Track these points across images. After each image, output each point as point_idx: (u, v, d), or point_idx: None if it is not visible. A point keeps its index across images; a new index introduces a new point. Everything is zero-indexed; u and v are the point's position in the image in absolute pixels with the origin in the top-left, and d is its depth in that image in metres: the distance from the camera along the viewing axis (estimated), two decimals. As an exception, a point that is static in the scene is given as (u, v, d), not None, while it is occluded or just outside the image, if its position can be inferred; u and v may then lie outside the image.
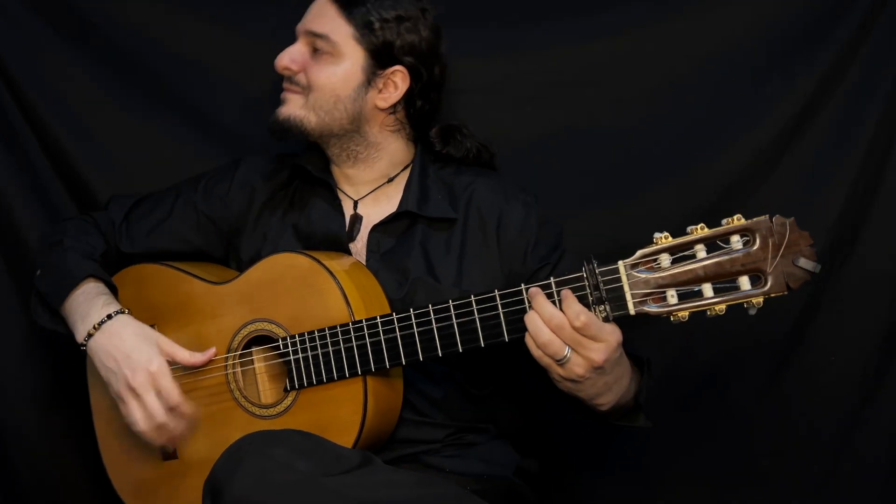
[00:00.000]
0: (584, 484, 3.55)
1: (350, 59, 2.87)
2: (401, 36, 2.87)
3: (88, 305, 2.84)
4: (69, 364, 3.20)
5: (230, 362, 2.84)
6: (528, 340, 2.41)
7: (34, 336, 3.50)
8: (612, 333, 2.38)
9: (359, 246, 2.93)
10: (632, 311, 2.34)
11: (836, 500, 3.37)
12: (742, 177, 3.38)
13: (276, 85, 3.44)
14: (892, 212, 3.31)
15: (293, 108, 2.93)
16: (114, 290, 2.93)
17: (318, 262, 2.73)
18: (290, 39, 3.15)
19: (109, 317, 2.80)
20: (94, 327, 2.79)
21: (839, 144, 3.35)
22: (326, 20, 2.89)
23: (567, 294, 2.38)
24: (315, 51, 2.91)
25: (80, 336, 2.82)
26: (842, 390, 3.36)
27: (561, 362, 2.39)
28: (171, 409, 2.75)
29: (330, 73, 2.88)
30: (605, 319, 2.37)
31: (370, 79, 2.88)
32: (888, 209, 3.32)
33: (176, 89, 3.58)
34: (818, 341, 3.37)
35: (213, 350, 2.81)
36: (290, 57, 2.92)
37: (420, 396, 2.83)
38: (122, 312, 2.82)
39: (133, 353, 2.74)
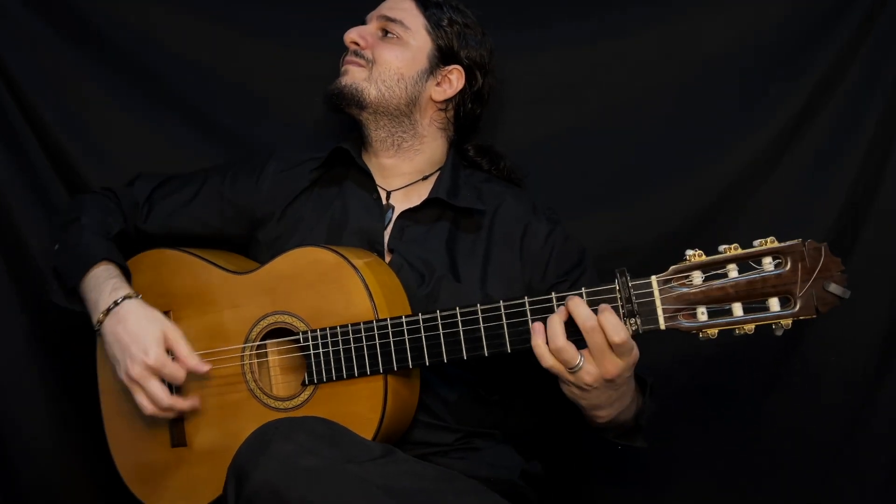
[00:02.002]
0: (588, 487, 3.64)
1: (418, 47, 3.10)
2: (465, 42, 3.14)
3: (98, 291, 2.96)
4: (69, 364, 3.31)
5: (247, 353, 2.92)
6: (541, 344, 2.52)
7: (34, 336, 3.57)
8: (635, 353, 2.52)
9: (386, 235, 3.05)
10: (662, 326, 2.45)
11: (836, 500, 3.47)
12: (742, 177, 3.47)
13: (278, 85, 3.60)
14: (892, 212, 3.42)
15: (356, 77, 3.10)
16: (126, 273, 3.04)
17: (344, 257, 2.81)
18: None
19: (116, 303, 2.92)
20: (103, 314, 2.91)
21: (839, 144, 3.44)
22: (403, 10, 3.13)
23: (607, 309, 2.47)
24: (386, 34, 3.11)
25: (94, 323, 2.95)
26: (842, 390, 3.46)
27: (573, 370, 2.51)
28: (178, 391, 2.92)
29: (398, 53, 3.09)
30: (636, 333, 2.49)
31: (432, 69, 3.11)
32: (888, 209, 3.42)
33: (176, 89, 3.66)
34: (818, 341, 3.46)
35: (209, 367, 2.89)
36: (360, 33, 3.13)
37: (433, 397, 2.93)
38: (129, 297, 2.93)
39: (133, 343, 2.86)
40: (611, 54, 3.57)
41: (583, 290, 2.53)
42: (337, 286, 2.81)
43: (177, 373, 2.86)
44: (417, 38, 3.10)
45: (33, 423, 3.63)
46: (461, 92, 3.15)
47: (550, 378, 2.59)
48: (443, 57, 3.11)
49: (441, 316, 2.68)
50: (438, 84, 3.12)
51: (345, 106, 3.11)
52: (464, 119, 3.20)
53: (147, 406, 2.88)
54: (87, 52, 3.64)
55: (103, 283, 2.97)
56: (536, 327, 2.53)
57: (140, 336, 2.86)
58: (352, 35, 3.12)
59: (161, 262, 3.12)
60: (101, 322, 2.92)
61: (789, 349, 3.49)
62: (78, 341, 3.27)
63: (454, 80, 3.13)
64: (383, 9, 3.15)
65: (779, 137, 3.47)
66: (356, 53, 3.12)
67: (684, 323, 2.43)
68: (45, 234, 3.57)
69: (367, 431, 2.72)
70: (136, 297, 2.94)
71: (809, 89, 3.46)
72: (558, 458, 3.42)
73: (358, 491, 2.39)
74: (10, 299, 3.62)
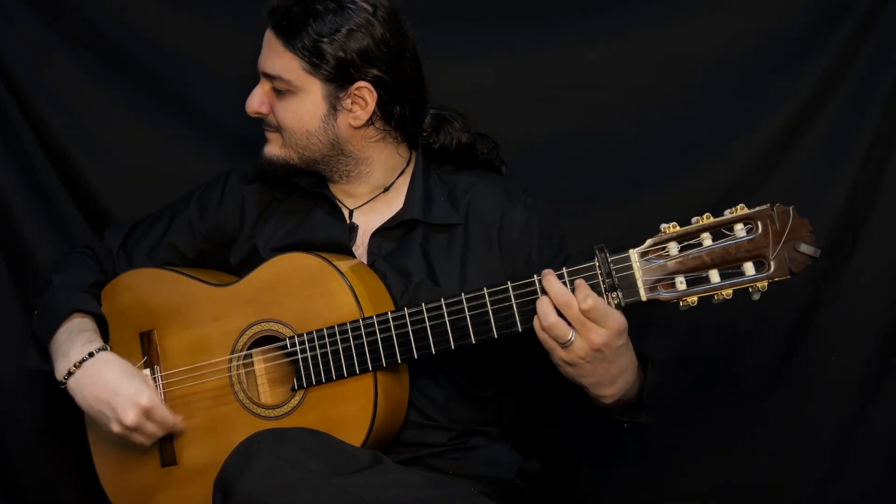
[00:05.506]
0: (587, 484, 3.73)
1: (308, 92, 2.98)
2: (351, 49, 2.92)
3: (70, 343, 2.99)
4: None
5: (234, 364, 2.97)
6: (535, 322, 2.61)
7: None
8: (615, 320, 2.57)
9: (358, 252, 3.06)
10: (644, 298, 2.56)
11: (836, 500, 3.57)
12: (743, 177, 3.58)
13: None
14: (892, 212, 3.52)
15: (274, 148, 3.09)
16: (102, 322, 3.10)
17: (328, 261, 2.87)
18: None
19: (91, 354, 2.95)
20: (75, 366, 2.94)
21: (839, 144, 3.55)
22: (276, 58, 2.99)
23: (581, 282, 2.59)
24: (276, 90, 3.02)
25: (59, 373, 2.97)
26: (842, 390, 3.56)
27: (565, 345, 2.59)
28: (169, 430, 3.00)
29: (294, 111, 3.01)
30: (618, 306, 2.58)
31: (335, 104, 2.98)
32: (888, 209, 3.53)
33: (177, 89, 3.79)
34: (818, 341, 3.56)
35: (180, 420, 3.00)
36: (258, 101, 3.06)
37: (423, 398, 2.98)
38: (104, 349, 2.98)
39: (121, 389, 2.91)
40: (611, 54, 3.67)
41: (564, 269, 2.62)
42: (321, 290, 2.87)
43: (168, 418, 2.96)
44: (301, 83, 2.98)
45: (32, 424, 3.77)
46: (379, 101, 3.00)
47: (549, 365, 2.68)
48: (339, 84, 2.97)
49: (427, 309, 2.75)
50: (350, 111, 3.00)
51: (281, 175, 3.13)
52: (399, 120, 3.08)
53: (144, 443, 2.99)
54: (87, 53, 3.78)
55: (77, 336, 3.01)
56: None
57: (125, 382, 2.93)
58: (251, 106, 3.07)
59: (140, 281, 3.18)
60: (70, 374, 2.95)
61: (790, 349, 3.59)
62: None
63: (365, 96, 2.98)
64: (261, 62, 3.05)
65: (779, 137, 3.58)
66: (264, 121, 3.09)
67: (664, 293, 2.55)
68: (44, 234, 3.74)
69: (360, 430, 2.79)
70: (109, 349, 3.01)
71: (809, 90, 3.56)
72: (556, 455, 3.54)
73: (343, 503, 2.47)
74: (10, 300, 3.76)
